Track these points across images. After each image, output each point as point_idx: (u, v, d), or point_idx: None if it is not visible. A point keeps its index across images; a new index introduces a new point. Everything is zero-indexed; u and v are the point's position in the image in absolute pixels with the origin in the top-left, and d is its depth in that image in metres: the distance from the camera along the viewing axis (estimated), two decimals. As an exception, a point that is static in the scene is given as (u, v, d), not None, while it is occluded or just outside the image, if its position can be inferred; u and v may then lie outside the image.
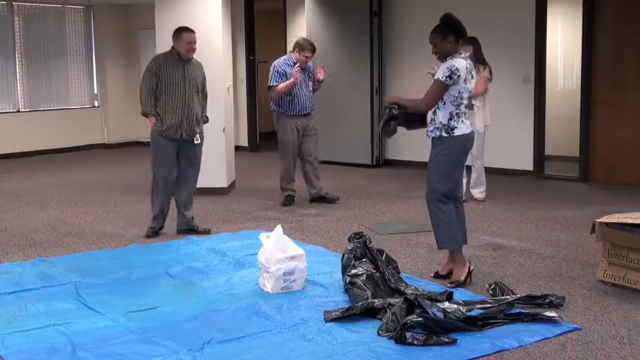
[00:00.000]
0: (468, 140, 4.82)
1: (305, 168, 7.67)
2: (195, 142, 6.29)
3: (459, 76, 4.64)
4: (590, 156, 8.69)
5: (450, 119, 4.71)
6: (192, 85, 6.22)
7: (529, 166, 9.13)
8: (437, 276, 4.95)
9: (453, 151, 4.76)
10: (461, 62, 4.67)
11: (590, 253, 5.52)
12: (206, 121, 6.50)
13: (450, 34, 4.71)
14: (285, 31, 11.66)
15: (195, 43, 6.23)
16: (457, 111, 4.72)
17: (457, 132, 4.72)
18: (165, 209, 6.32)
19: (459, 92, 4.70)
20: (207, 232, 6.38)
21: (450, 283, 4.78)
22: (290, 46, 11.54)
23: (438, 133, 4.74)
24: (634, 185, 8.25)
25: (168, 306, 4.43)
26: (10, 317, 4.26)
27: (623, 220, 4.60)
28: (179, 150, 6.27)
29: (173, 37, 6.25)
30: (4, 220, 7.05)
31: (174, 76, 6.13)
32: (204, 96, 6.47)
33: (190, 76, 6.22)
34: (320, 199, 7.64)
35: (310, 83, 7.62)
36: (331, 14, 10.23)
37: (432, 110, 4.79)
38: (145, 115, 6.20)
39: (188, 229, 6.39)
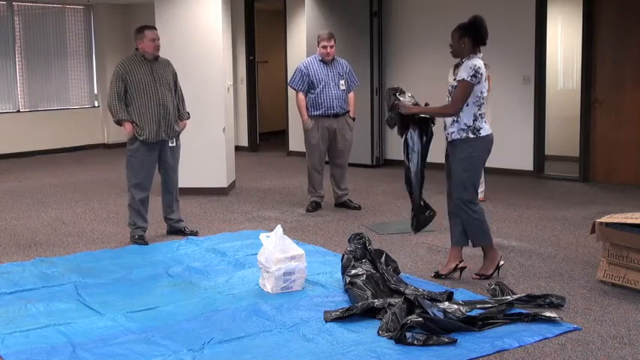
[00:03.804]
0: (491, 141, 4.85)
1: (331, 172, 7.35)
2: (171, 144, 6.08)
3: (482, 74, 4.67)
4: (590, 156, 8.68)
5: (474, 120, 4.71)
6: (163, 84, 5.99)
7: (529, 166, 9.13)
8: (437, 276, 4.95)
9: (481, 152, 4.79)
10: (480, 62, 4.71)
11: (590, 253, 5.52)
12: (187, 117, 6.27)
13: (467, 36, 4.71)
14: (285, 31, 11.65)
15: (159, 39, 6.01)
16: (480, 112, 4.74)
17: (483, 132, 4.74)
18: (145, 219, 6.13)
19: (481, 92, 4.71)
20: (195, 233, 6.32)
21: (476, 274, 4.87)
22: (289, 46, 11.61)
23: (465, 135, 4.73)
24: (634, 185, 8.25)
25: (168, 306, 4.43)
26: (10, 317, 4.26)
27: (623, 220, 4.59)
28: (159, 157, 6.10)
29: (135, 37, 6.00)
30: (4, 220, 7.05)
31: (143, 79, 5.90)
32: (179, 93, 6.22)
33: (160, 75, 5.99)
34: (342, 205, 7.35)
35: (342, 82, 7.12)
36: (331, 14, 10.22)
37: None
38: (119, 123, 5.94)
39: (175, 231, 6.33)
